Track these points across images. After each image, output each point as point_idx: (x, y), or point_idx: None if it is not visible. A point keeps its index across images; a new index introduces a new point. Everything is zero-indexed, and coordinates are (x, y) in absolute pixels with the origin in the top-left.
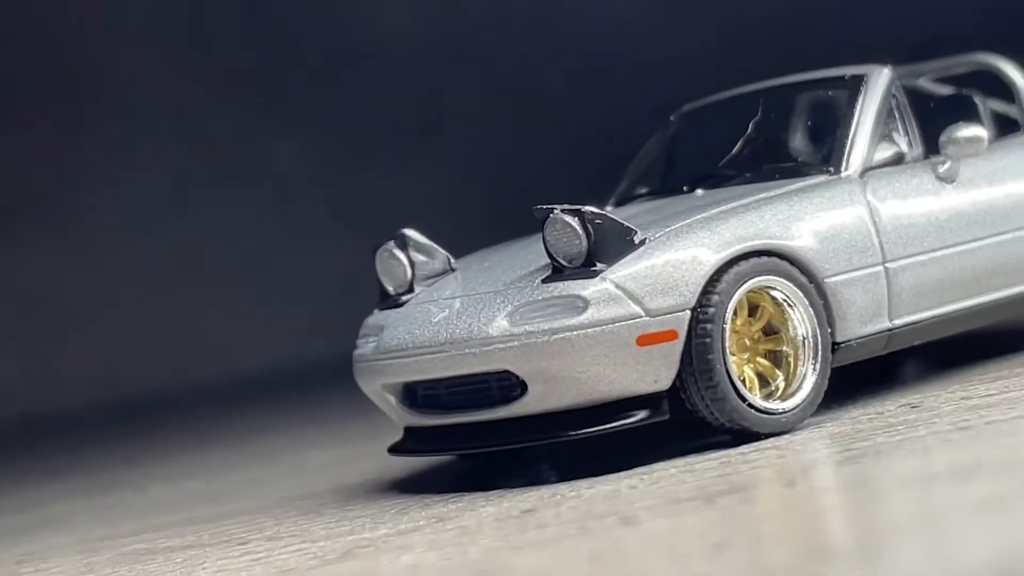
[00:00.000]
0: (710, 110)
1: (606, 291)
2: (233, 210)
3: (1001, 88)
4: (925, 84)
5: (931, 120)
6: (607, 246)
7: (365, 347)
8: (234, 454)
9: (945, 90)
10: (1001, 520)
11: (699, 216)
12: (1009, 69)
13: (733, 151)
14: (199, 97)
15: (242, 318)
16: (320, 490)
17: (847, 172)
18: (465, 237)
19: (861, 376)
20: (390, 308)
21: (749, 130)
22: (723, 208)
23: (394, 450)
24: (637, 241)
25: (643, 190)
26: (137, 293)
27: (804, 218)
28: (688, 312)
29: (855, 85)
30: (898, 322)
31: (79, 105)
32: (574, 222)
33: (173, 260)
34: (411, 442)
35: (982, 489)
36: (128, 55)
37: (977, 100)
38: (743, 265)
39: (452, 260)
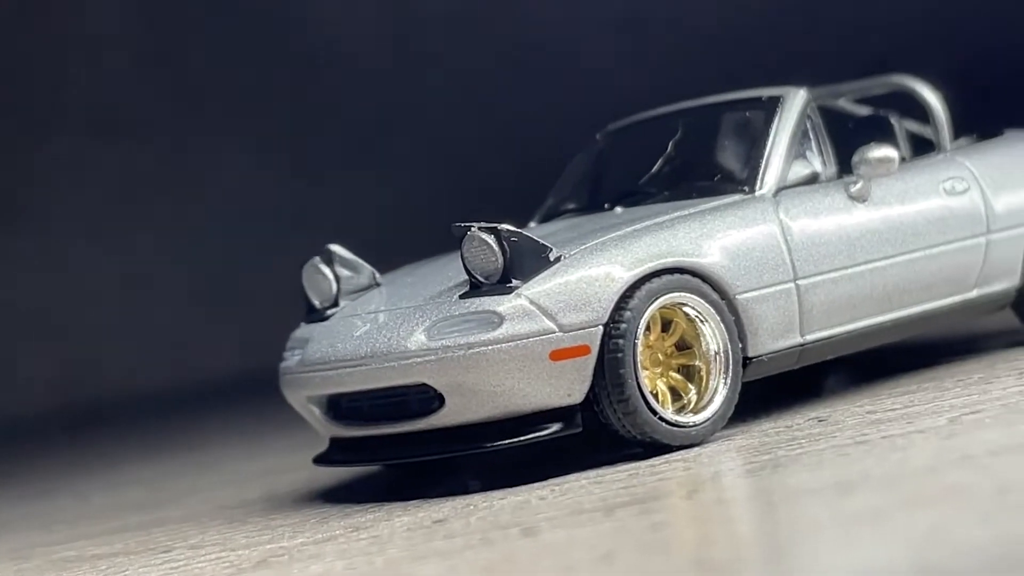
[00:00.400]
0: (634, 129)
1: (521, 307)
2: (188, 218)
3: (919, 108)
4: (845, 104)
5: (849, 140)
6: (522, 263)
7: (291, 360)
8: (178, 462)
9: (864, 111)
10: (870, 533)
11: (613, 234)
12: (924, 90)
13: (653, 170)
14: (156, 107)
15: (195, 327)
16: (250, 499)
17: (761, 191)
18: (417, 247)
19: (784, 387)
20: (316, 322)
21: (669, 149)
22: (637, 226)
23: (319, 461)
24: (552, 258)
25: (568, 207)
26: (92, 300)
27: (716, 236)
28: (600, 328)
29: (771, 106)
30: (809, 338)
31: (37, 113)
32: (490, 239)
33: (128, 268)
34: (335, 453)
35: (860, 502)
36: (87, 64)
37: (893, 120)
38: (655, 282)
39: (377, 275)
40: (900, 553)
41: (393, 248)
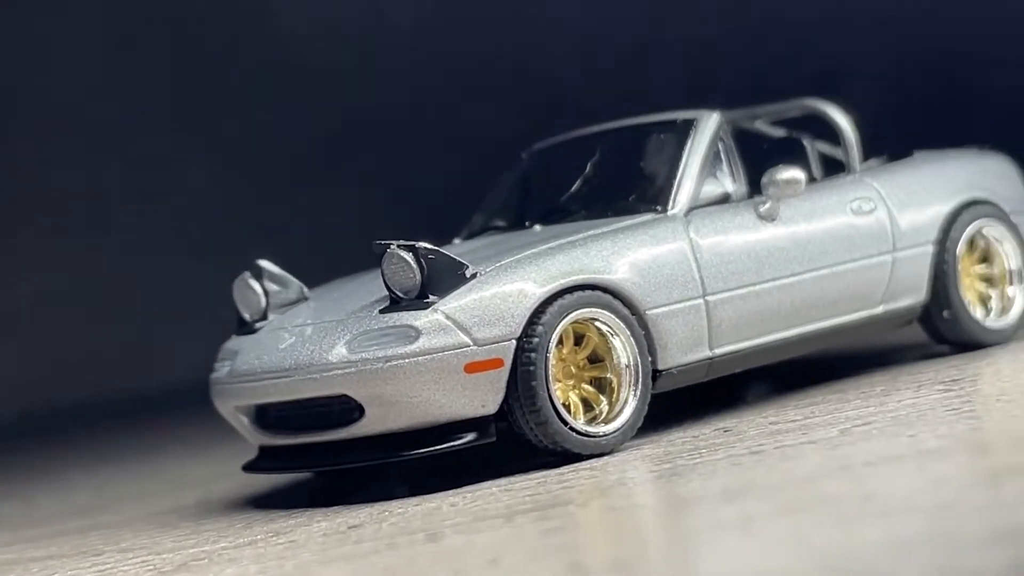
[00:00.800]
0: (557, 149)
1: (437, 322)
2: (151, 226)
3: (830, 131)
4: (760, 127)
5: (764, 161)
6: (439, 279)
7: (221, 370)
8: (127, 468)
9: (778, 132)
10: (738, 539)
11: (528, 252)
12: (836, 114)
13: (573, 189)
14: (121, 117)
15: (157, 333)
16: (185, 505)
17: (673, 210)
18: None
19: (701, 397)
20: (245, 334)
21: (589, 169)
22: (551, 244)
23: (248, 468)
24: (468, 275)
25: (492, 224)
26: (54, 307)
27: (627, 254)
28: (514, 342)
29: (685, 129)
30: (718, 351)
31: (2, 123)
32: (409, 257)
33: (91, 275)
34: (264, 460)
35: (738, 510)
36: (55, 76)
37: (806, 142)
38: (567, 298)
39: (306, 289)
40: (758, 559)
41: (346, 260)
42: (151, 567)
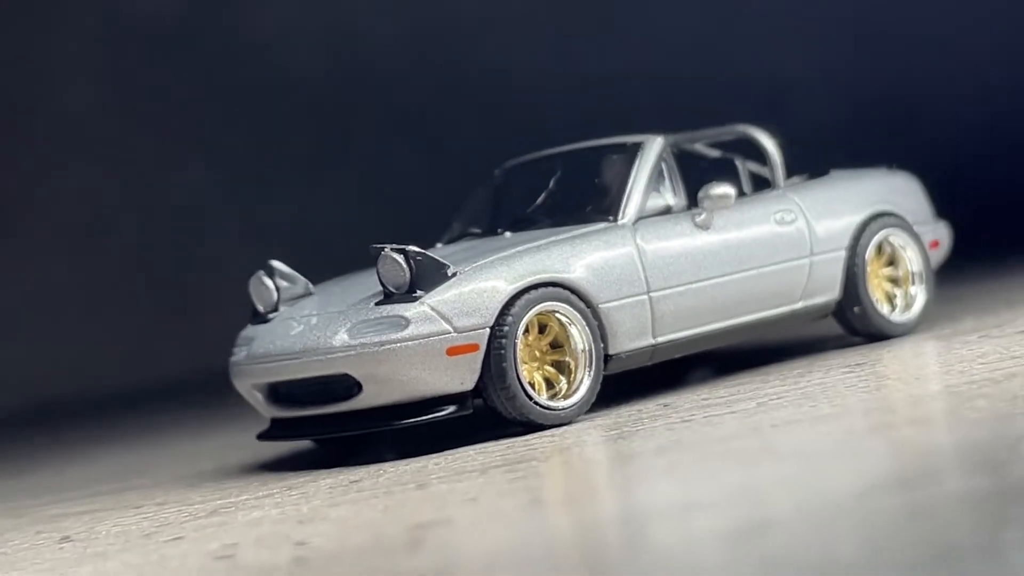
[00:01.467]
0: (525, 166)
1: (424, 312)
2: (148, 230)
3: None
4: (700, 148)
5: (702, 178)
6: (426, 277)
7: (239, 355)
8: (145, 445)
9: (714, 153)
10: (665, 479)
11: (500, 255)
12: (763, 138)
13: (538, 201)
14: (120, 126)
15: (159, 333)
16: (205, 470)
17: (623, 220)
18: (356, 261)
19: (649, 380)
20: (259, 323)
21: (551, 184)
22: (520, 248)
23: (261, 437)
24: (450, 274)
25: (469, 231)
26: (57, 306)
27: (584, 256)
28: (488, 329)
29: (634, 150)
30: (660, 339)
31: (8, 134)
32: (400, 258)
33: (92, 276)
34: (275, 430)
35: (666, 460)
36: (56, 89)
37: (738, 162)
38: (533, 294)
39: (310, 285)
40: (679, 489)
41: (333, 261)
42: (186, 514)
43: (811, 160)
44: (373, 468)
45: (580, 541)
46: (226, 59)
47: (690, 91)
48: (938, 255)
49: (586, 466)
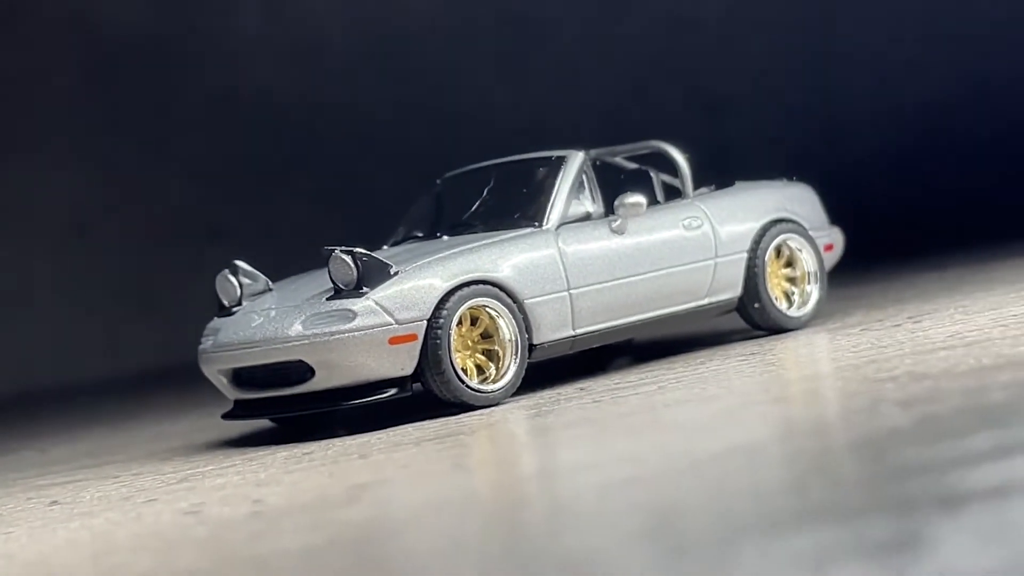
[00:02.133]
0: (463, 176)
1: (369, 307)
2: (127, 232)
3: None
4: (619, 161)
5: (620, 188)
6: (371, 276)
7: (206, 344)
8: (119, 427)
9: (631, 166)
10: (569, 447)
11: (437, 256)
12: (674, 153)
13: (473, 208)
14: (102, 132)
15: (131, 325)
16: (174, 447)
17: (547, 226)
18: (312, 261)
19: (577, 367)
20: (224, 316)
21: (485, 193)
22: (454, 250)
23: (226, 416)
24: (392, 273)
25: (412, 234)
26: (41, 303)
27: (511, 258)
28: (425, 322)
29: (558, 163)
30: (580, 331)
31: None
32: (348, 259)
33: (75, 276)
34: (238, 410)
35: (573, 432)
36: (38, 97)
37: (652, 174)
38: (465, 290)
39: (270, 282)
40: (576, 454)
41: (291, 261)
42: (160, 481)
43: (736, 171)
44: (324, 443)
45: (491, 494)
46: (196, 69)
47: (634, 103)
48: (832, 257)
49: (505, 438)
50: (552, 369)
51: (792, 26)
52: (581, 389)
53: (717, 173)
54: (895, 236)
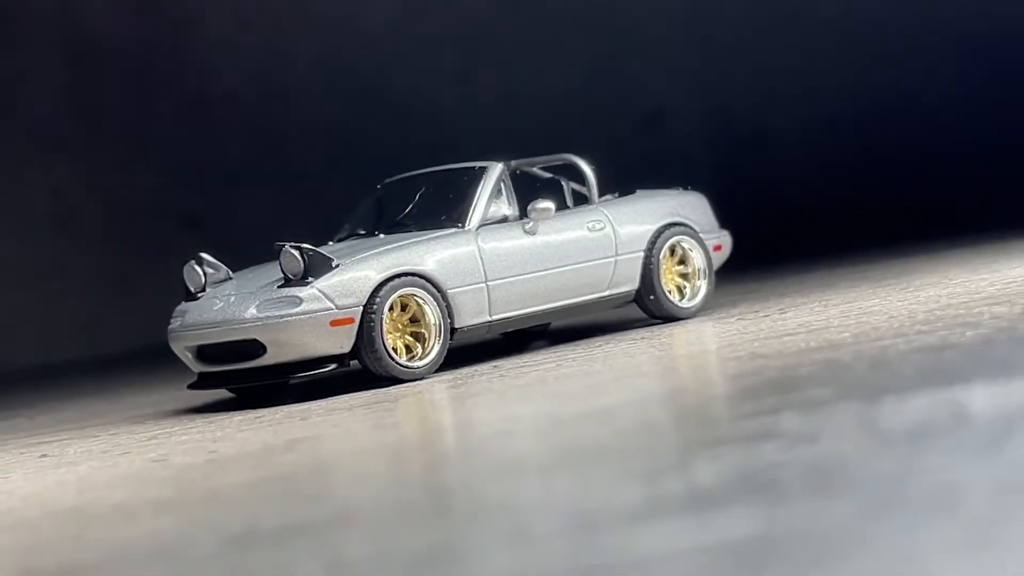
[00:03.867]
0: (401, 182)
1: (313, 294)
2: (105, 222)
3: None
4: (536, 170)
5: (536, 194)
6: (315, 268)
7: (174, 324)
8: (97, 399)
9: (545, 175)
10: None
11: (373, 251)
12: (582, 164)
13: (407, 210)
14: (82, 129)
15: (109, 310)
16: (146, 414)
17: (469, 227)
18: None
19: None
20: (190, 301)
21: (417, 197)
22: (388, 247)
23: (191, 387)
24: (334, 265)
25: (355, 232)
26: (23, 288)
27: (437, 253)
28: (361, 307)
29: (480, 173)
30: (496, 317)
31: None
32: (296, 253)
33: (57, 263)
34: (201, 382)
35: (474, 401)
36: (23, 94)
37: (563, 183)
38: (396, 281)
39: (230, 272)
40: (473, 416)
41: (250, 253)
42: (133, 439)
43: (670, 179)
44: (273, 409)
45: (402, 444)
46: (169, 72)
47: (576, 112)
48: (720, 256)
49: (422, 405)
50: (477, 351)
51: (729, 44)
52: (495, 367)
53: (652, 182)
54: (814, 236)
